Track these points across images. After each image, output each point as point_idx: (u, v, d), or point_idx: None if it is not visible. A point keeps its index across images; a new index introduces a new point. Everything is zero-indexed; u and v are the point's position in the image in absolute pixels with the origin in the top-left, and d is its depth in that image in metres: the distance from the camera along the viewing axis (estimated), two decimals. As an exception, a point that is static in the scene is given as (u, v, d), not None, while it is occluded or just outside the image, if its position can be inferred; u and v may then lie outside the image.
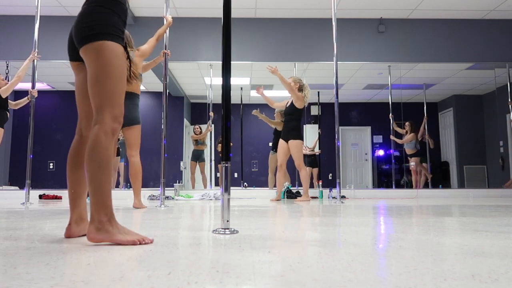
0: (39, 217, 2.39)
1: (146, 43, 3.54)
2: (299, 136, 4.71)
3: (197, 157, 6.76)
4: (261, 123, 7.38)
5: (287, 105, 4.84)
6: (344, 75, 5.57)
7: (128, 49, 2.33)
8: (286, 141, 4.72)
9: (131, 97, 3.38)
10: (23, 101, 4.67)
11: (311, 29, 6.20)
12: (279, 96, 7.61)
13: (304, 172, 4.71)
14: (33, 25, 4.27)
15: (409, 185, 6.94)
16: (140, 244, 1.32)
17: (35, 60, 4.19)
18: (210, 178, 6.77)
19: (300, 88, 4.71)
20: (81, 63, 1.58)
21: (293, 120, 4.72)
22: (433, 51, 6.19)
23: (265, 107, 7.59)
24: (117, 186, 6.27)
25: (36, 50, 4.18)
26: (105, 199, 1.36)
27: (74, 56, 1.58)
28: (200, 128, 6.84)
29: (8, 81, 5.98)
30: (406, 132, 6.71)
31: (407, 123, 6.72)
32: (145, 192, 4.80)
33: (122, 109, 1.48)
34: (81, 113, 1.61)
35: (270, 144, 6.60)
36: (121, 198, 5.02)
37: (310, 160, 6.88)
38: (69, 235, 1.51)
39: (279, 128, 5.97)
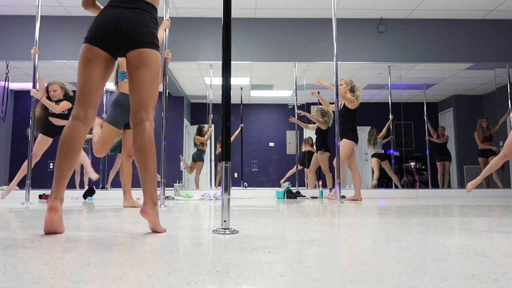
0: (39, 217, 2.39)
1: None
2: (352, 137, 4.62)
3: (199, 157, 6.64)
4: (261, 123, 7.36)
5: (341, 107, 4.72)
6: (344, 75, 5.55)
7: None
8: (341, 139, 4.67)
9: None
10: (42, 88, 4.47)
11: (311, 29, 6.20)
12: (279, 96, 7.62)
13: (357, 173, 4.66)
14: (33, 25, 4.27)
15: (409, 185, 6.95)
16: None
17: (36, 59, 4.18)
18: (210, 178, 6.76)
19: (352, 89, 4.69)
20: (109, 56, 1.70)
21: (349, 121, 4.65)
22: (433, 51, 6.19)
23: (264, 107, 7.60)
24: (82, 186, 5.74)
25: (36, 47, 4.17)
26: (156, 185, 1.70)
27: (108, 47, 1.68)
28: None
29: (9, 81, 5.96)
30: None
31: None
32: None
33: None
34: (89, 102, 1.68)
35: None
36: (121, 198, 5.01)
37: (304, 160, 6.69)
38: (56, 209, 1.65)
39: (324, 127, 5.99)
